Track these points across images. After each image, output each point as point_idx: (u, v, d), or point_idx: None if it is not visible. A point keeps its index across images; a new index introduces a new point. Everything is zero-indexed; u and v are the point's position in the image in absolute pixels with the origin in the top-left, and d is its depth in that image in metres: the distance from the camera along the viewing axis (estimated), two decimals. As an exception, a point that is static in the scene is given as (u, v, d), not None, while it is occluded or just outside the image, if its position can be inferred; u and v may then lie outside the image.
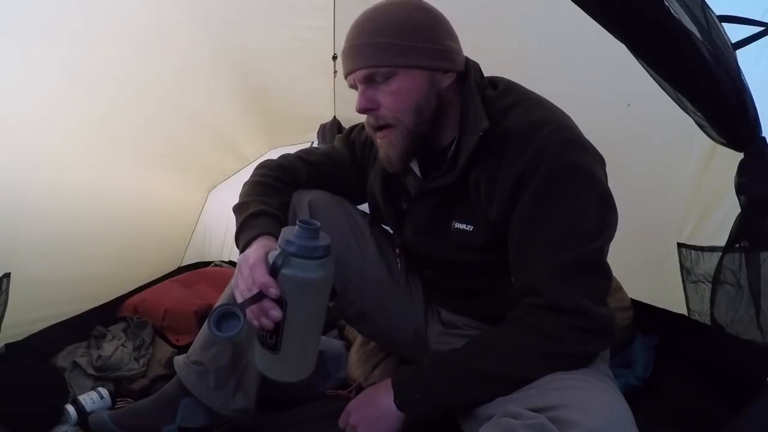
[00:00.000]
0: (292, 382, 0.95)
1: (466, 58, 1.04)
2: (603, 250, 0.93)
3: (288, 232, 0.85)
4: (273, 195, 1.13)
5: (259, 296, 0.83)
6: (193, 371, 1.16)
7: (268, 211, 1.06)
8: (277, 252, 0.85)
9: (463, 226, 1.03)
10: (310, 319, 0.88)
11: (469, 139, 0.98)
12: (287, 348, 0.87)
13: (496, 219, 0.97)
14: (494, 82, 1.05)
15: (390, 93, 0.98)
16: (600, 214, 0.92)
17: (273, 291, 0.83)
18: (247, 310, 0.85)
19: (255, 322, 0.87)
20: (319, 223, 0.85)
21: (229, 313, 0.83)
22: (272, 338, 0.86)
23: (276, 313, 0.84)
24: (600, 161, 0.96)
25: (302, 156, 1.24)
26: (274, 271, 0.84)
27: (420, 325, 1.23)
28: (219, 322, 0.83)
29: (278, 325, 0.85)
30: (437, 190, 1.06)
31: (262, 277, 0.85)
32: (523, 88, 1.04)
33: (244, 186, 1.17)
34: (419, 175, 1.11)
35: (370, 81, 0.99)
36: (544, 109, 0.98)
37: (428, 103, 0.99)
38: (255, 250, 0.92)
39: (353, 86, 1.02)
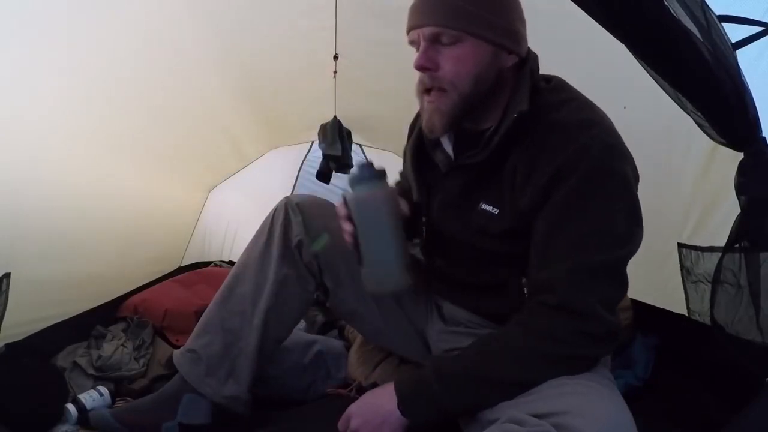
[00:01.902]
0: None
1: (528, 48, 1.03)
2: (625, 261, 0.93)
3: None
4: None
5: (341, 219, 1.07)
6: (187, 358, 1.18)
7: None
8: None
9: (489, 208, 1.02)
10: (376, 229, 1.04)
11: (507, 119, 0.97)
12: (366, 258, 1.05)
13: (525, 208, 0.96)
14: (548, 78, 1.05)
15: (453, 57, 0.96)
16: (629, 225, 0.93)
17: (342, 211, 1.05)
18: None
19: (346, 243, 1.06)
20: (370, 159, 1.10)
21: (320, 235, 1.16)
22: (357, 253, 1.06)
23: (348, 227, 1.04)
24: (636, 175, 0.96)
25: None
26: (344, 199, 1.07)
27: (419, 323, 1.23)
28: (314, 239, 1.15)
29: (356, 239, 1.04)
30: (470, 168, 1.05)
31: (338, 204, 1.07)
32: (575, 89, 1.03)
33: None
34: (451, 154, 1.09)
35: (434, 40, 0.97)
36: (594, 111, 0.98)
37: (487, 76, 0.98)
38: None
39: (414, 42, 1.00)
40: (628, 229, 0.92)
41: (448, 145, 1.10)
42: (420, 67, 0.98)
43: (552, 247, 0.93)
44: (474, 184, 1.05)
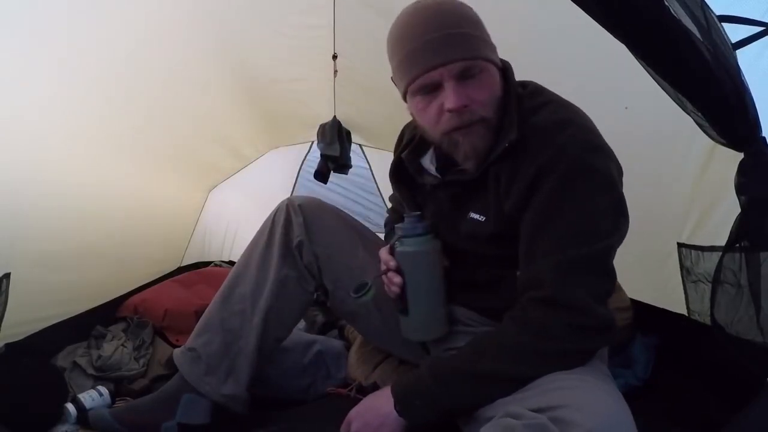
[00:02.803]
0: (409, 349, 1.23)
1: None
2: (610, 252, 0.94)
3: (401, 224, 1.11)
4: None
5: (385, 270, 1.10)
6: (187, 357, 1.19)
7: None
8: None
9: (476, 217, 1.04)
10: (426, 282, 1.09)
11: (499, 145, 0.97)
12: (413, 309, 1.09)
13: (511, 211, 0.98)
14: (524, 83, 1.05)
15: (482, 88, 0.95)
16: (612, 218, 0.94)
17: (391, 264, 1.08)
18: (384, 283, 1.11)
19: (389, 292, 1.10)
20: (419, 212, 1.11)
21: (363, 284, 1.10)
22: (402, 303, 1.09)
23: (397, 279, 1.07)
24: (619, 169, 0.97)
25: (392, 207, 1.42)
26: (392, 250, 1.10)
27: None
28: (357, 290, 1.09)
29: (403, 291, 1.08)
30: (457, 183, 1.06)
31: (385, 255, 1.10)
32: (551, 91, 1.04)
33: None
34: (437, 174, 1.11)
35: (463, 75, 0.93)
36: (571, 111, 0.99)
37: (500, 96, 0.99)
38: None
39: (426, 87, 0.95)
40: (611, 223, 0.93)
41: (430, 167, 1.12)
42: (460, 107, 0.93)
43: (537, 245, 0.94)
44: (463, 196, 1.07)
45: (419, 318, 1.10)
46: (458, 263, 1.12)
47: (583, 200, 0.91)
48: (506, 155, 0.97)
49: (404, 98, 1.03)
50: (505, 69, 1.02)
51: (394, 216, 1.39)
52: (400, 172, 1.19)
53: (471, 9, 0.98)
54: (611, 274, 0.95)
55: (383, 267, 1.10)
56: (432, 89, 0.96)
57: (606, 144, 0.96)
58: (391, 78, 1.04)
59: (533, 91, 1.03)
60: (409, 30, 0.96)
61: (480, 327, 1.12)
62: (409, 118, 1.23)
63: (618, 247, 0.95)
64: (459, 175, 1.05)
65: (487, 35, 0.98)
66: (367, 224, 1.37)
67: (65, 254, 1.64)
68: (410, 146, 1.14)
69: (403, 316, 1.11)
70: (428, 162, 1.12)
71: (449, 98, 0.93)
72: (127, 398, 1.44)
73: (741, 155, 1.06)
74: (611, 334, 0.93)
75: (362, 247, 1.25)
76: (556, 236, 0.92)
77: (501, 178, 0.99)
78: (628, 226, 0.96)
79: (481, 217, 1.03)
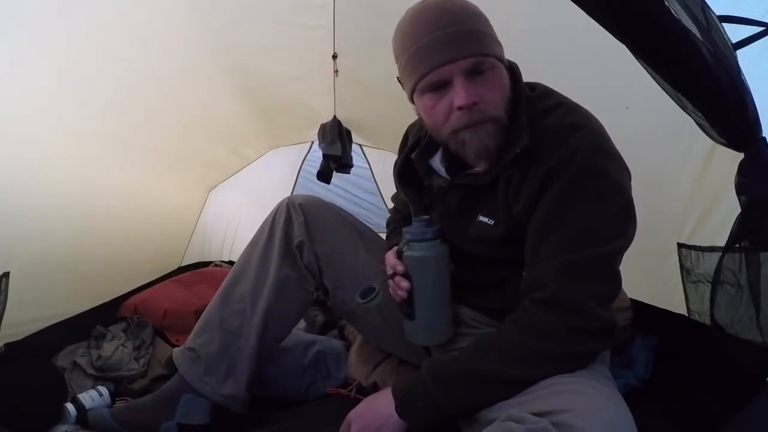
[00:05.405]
0: (412, 352, 1.23)
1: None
2: (616, 256, 0.94)
3: (408, 227, 1.10)
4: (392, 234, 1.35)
5: (392, 275, 1.09)
6: (186, 357, 1.19)
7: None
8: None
9: (485, 220, 1.04)
10: (433, 287, 1.08)
11: (511, 151, 0.97)
12: (420, 314, 1.09)
13: (519, 213, 0.97)
14: (532, 86, 1.05)
15: (492, 86, 0.94)
16: (620, 222, 0.93)
17: (399, 268, 1.07)
18: (389, 287, 1.10)
19: (395, 296, 1.09)
20: (428, 216, 1.11)
21: (370, 289, 1.07)
22: (408, 308, 1.09)
23: (405, 284, 1.07)
24: (628, 174, 0.97)
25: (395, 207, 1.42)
26: (399, 254, 1.09)
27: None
28: (364, 295, 1.07)
29: (410, 296, 1.07)
30: (468, 186, 1.06)
31: (392, 260, 1.09)
32: (560, 93, 1.03)
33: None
34: (447, 176, 1.10)
35: (473, 72, 0.92)
36: (581, 114, 0.98)
37: (509, 97, 0.98)
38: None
39: (433, 84, 0.94)
40: (619, 227, 0.93)
41: (441, 169, 1.11)
42: (470, 105, 0.92)
43: (543, 246, 0.94)
44: (472, 199, 1.07)
45: (425, 323, 1.10)
46: (464, 264, 1.12)
47: (591, 203, 0.91)
48: (517, 159, 0.97)
49: (411, 98, 1.02)
50: (513, 70, 1.01)
51: (397, 216, 1.39)
52: (406, 173, 1.18)
53: (477, 7, 0.97)
54: (616, 277, 0.95)
55: (390, 271, 1.10)
56: (441, 87, 0.94)
57: (614, 147, 0.96)
58: (397, 78, 1.03)
59: (542, 94, 1.02)
60: (416, 27, 0.94)
61: (484, 328, 1.12)
62: (411, 118, 1.23)
63: (625, 251, 0.95)
64: (471, 179, 1.04)
65: (495, 33, 0.97)
66: (367, 224, 1.37)
67: (65, 254, 1.64)
68: (419, 147, 1.12)
69: (408, 320, 1.11)
70: (438, 163, 1.11)
71: (459, 95, 0.91)
72: (127, 398, 1.44)
73: (741, 155, 1.06)
74: (613, 338, 0.93)
75: (363, 247, 1.25)
76: (563, 238, 0.92)
77: (511, 181, 0.99)
78: (635, 231, 0.96)
79: (490, 220, 1.03)
